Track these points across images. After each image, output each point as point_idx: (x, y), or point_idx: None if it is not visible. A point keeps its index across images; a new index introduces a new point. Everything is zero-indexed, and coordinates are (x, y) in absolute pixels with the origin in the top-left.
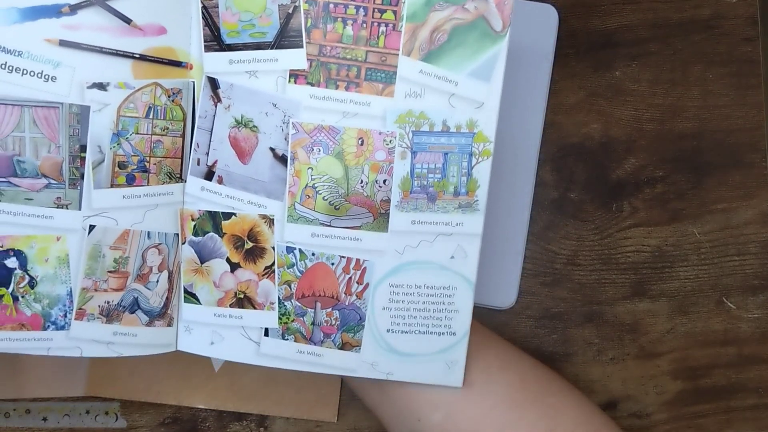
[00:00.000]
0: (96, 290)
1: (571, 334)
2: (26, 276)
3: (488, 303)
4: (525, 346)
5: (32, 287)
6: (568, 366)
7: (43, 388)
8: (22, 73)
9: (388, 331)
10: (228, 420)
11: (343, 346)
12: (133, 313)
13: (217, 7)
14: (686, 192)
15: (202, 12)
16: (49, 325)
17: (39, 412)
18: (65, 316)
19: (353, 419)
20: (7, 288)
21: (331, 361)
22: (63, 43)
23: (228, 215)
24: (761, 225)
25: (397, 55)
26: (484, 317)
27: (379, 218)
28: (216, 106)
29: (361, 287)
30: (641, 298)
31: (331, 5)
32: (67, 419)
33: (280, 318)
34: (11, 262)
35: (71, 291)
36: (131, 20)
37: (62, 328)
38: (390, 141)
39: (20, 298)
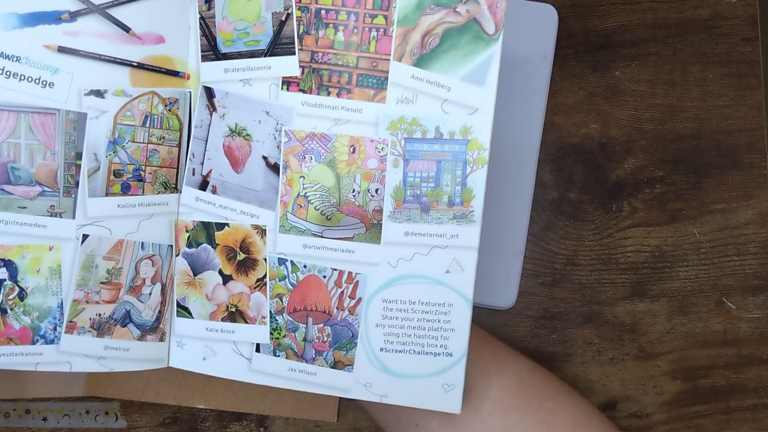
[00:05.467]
0: (88, 302)
1: (570, 335)
2: (16, 287)
3: (488, 303)
4: (525, 346)
5: (22, 299)
6: (567, 366)
7: (43, 388)
8: (20, 79)
9: (381, 349)
10: (228, 420)
11: (336, 365)
12: (125, 326)
13: (214, 17)
14: (686, 192)
15: (200, 21)
16: (38, 339)
17: (39, 412)
18: (55, 329)
19: (353, 419)
20: None
21: (324, 380)
22: (62, 50)
23: (221, 226)
24: (761, 225)
25: (389, 60)
26: (484, 317)
27: (372, 229)
28: (211, 115)
29: (353, 302)
30: (641, 298)
31: (323, 11)
32: (66, 419)
33: (271, 333)
34: (1, 273)
35: (62, 303)
36: (130, 28)
37: (52, 341)
38: (382, 148)
39: (9, 311)
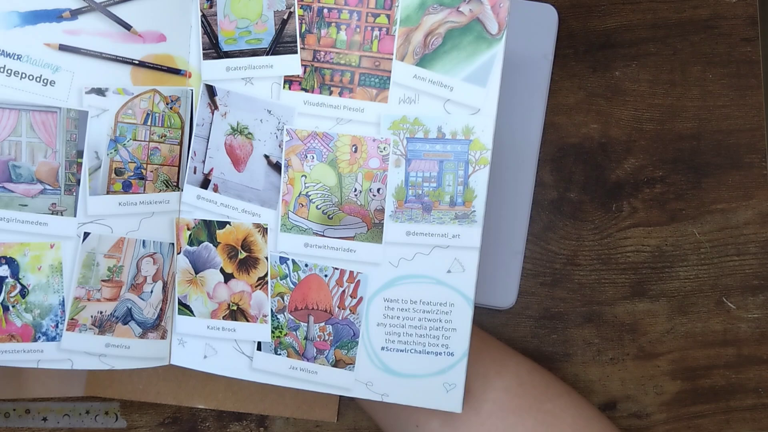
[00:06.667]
0: (89, 300)
1: (570, 334)
2: (18, 285)
3: (488, 303)
4: (525, 346)
5: (23, 296)
6: (567, 366)
7: (43, 388)
8: (21, 77)
9: (382, 348)
10: (228, 420)
11: (337, 364)
12: (126, 324)
13: (216, 15)
14: (686, 192)
15: (201, 20)
16: (39, 336)
17: (39, 412)
18: (57, 326)
19: (353, 419)
20: None
21: (325, 378)
22: (63, 48)
23: (222, 224)
24: (760, 225)
25: (391, 59)
26: (484, 317)
27: (373, 228)
28: (213, 114)
29: (354, 301)
30: (641, 298)
31: (325, 10)
32: (66, 419)
33: (272, 331)
34: (3, 271)
35: (64, 300)
36: (131, 27)
37: (53, 339)
38: (384, 148)
39: (10, 308)
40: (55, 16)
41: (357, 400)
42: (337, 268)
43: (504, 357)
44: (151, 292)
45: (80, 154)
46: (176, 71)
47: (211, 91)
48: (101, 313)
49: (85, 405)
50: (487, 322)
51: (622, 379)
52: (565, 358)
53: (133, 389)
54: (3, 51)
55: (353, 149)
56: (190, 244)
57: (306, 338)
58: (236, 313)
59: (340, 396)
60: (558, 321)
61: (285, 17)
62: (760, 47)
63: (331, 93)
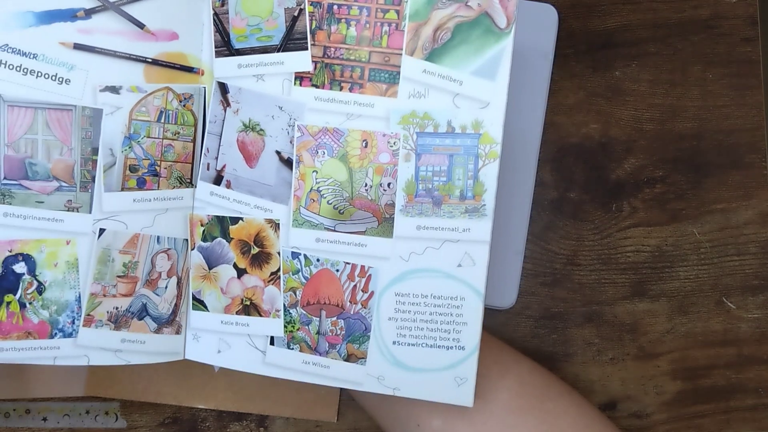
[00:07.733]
0: (105, 296)
1: (570, 334)
2: (34, 281)
3: (488, 303)
4: (525, 346)
5: (40, 293)
6: (567, 366)
7: (43, 388)
8: (37, 76)
9: (394, 343)
10: (228, 420)
11: (349, 358)
12: (141, 319)
13: (228, 13)
14: (686, 192)
15: (213, 18)
16: (56, 333)
17: (39, 412)
18: (73, 322)
19: (353, 419)
20: (15, 294)
21: (337, 372)
22: (77, 47)
23: (235, 220)
24: (761, 225)
25: (400, 54)
26: (484, 317)
27: (384, 223)
28: (225, 111)
29: (366, 295)
30: (641, 298)
31: (335, 6)
32: (67, 419)
33: (285, 326)
34: (20, 267)
35: (80, 296)
36: (144, 25)
37: (70, 335)
38: (394, 143)
39: (27, 305)
40: (70, 15)
41: (357, 399)
42: (348, 263)
43: (506, 357)
44: (166, 287)
45: (95, 151)
46: (189, 69)
47: (223, 88)
48: (117, 308)
49: (85, 405)
50: (487, 322)
51: (623, 379)
52: (566, 358)
53: (134, 389)
54: (19, 50)
55: (363, 144)
56: (204, 239)
57: (318, 333)
58: (249, 308)
59: (341, 396)
60: (558, 321)
61: (295, 14)
62: (760, 47)
63: (341, 88)
